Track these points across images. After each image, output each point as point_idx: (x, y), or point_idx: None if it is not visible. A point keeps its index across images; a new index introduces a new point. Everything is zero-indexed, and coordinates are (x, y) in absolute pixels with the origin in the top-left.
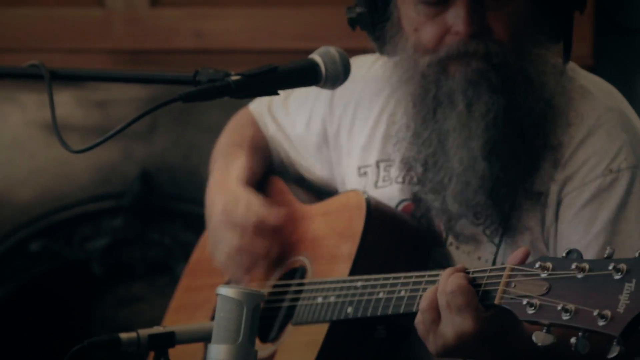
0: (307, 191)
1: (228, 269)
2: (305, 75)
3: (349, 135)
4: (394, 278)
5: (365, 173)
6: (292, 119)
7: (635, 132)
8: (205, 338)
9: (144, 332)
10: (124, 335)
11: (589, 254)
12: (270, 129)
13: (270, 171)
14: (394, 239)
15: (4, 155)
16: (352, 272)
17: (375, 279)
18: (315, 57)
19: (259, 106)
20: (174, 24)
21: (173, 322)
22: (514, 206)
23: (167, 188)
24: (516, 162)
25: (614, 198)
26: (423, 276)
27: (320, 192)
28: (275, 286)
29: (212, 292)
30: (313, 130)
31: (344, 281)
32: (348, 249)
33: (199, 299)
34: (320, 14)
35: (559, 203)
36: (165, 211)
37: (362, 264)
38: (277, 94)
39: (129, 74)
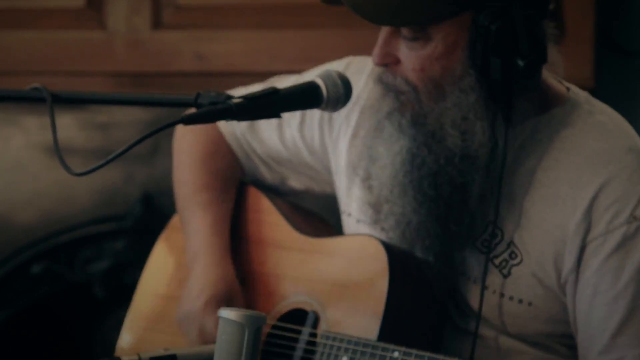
0: (290, 205)
1: (182, 331)
2: (306, 97)
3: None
4: (429, 358)
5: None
6: (274, 123)
7: None
8: None
9: (145, 355)
10: (125, 358)
11: (620, 305)
12: (240, 135)
13: (244, 182)
14: (417, 291)
15: (5, 178)
16: (382, 330)
17: (416, 355)
18: (317, 79)
19: None
20: (175, 47)
21: (152, 332)
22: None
23: (169, 211)
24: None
25: None
26: None
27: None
28: (276, 327)
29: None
30: (307, 135)
31: (375, 347)
32: (373, 305)
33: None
34: (321, 37)
35: (582, 249)
36: None
37: (390, 321)
38: (279, 116)
39: (130, 97)
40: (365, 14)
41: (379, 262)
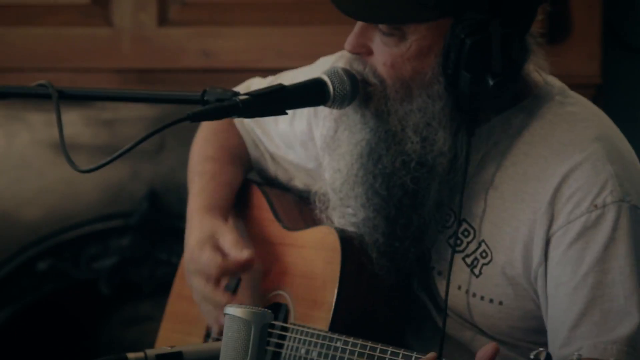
0: (287, 195)
1: (201, 312)
2: (313, 94)
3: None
4: (371, 348)
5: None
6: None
7: (623, 163)
8: (213, 358)
9: (152, 352)
10: (131, 355)
11: (579, 296)
12: (249, 127)
13: (249, 177)
14: (372, 282)
15: (11, 175)
16: (333, 321)
17: (354, 344)
18: (323, 76)
19: None
20: (181, 43)
21: (169, 331)
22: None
23: (175, 207)
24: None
25: (601, 235)
26: (398, 353)
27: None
28: None
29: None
30: (297, 128)
31: (325, 337)
32: (327, 295)
33: (192, 312)
34: (327, 33)
35: (547, 242)
36: (173, 230)
37: (342, 312)
38: (286, 113)
39: (137, 94)
40: (343, 8)
41: (334, 253)
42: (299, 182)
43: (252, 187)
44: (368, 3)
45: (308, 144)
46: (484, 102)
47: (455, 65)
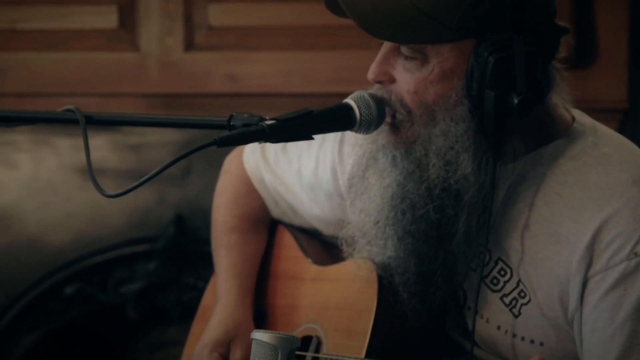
0: (315, 240)
1: None
2: (339, 119)
3: None
4: None
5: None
6: (295, 167)
7: None
8: None
9: None
10: None
11: (615, 343)
12: (268, 183)
13: (275, 222)
14: (405, 318)
15: (39, 199)
16: (369, 349)
17: None
18: (350, 101)
19: (253, 158)
20: (208, 68)
21: None
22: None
23: (201, 232)
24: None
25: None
26: None
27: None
28: None
29: None
30: (322, 178)
31: None
32: (363, 325)
33: None
34: (354, 58)
35: (584, 286)
36: (200, 255)
37: (378, 340)
38: (312, 138)
39: (163, 119)
40: (366, 27)
41: (370, 283)
42: (324, 233)
43: (279, 227)
44: (391, 23)
45: (333, 195)
46: (509, 122)
47: (479, 85)
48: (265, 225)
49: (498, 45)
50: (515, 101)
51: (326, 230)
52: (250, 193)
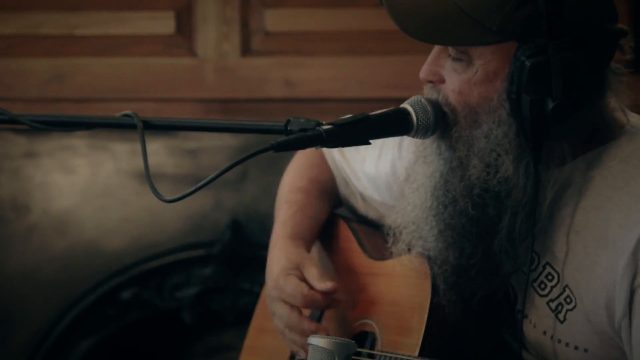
0: (373, 234)
1: (284, 340)
2: (396, 124)
3: None
4: None
5: None
6: (362, 155)
7: None
8: None
9: None
10: None
11: None
12: (339, 163)
13: (336, 212)
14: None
15: (96, 204)
16: (422, 346)
17: None
18: (407, 106)
19: None
20: (264, 73)
21: None
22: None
23: (258, 237)
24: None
25: None
26: None
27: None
28: None
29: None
30: (382, 170)
31: None
32: (417, 321)
33: (273, 344)
34: (409, 63)
35: (631, 293)
36: (256, 260)
37: (432, 337)
38: (369, 143)
39: (220, 124)
40: (407, 30)
41: (425, 280)
42: (389, 220)
43: (338, 220)
44: (434, 26)
45: (393, 187)
46: (547, 126)
47: (517, 88)
48: (331, 198)
49: (536, 50)
50: (550, 106)
51: (390, 215)
52: (322, 164)
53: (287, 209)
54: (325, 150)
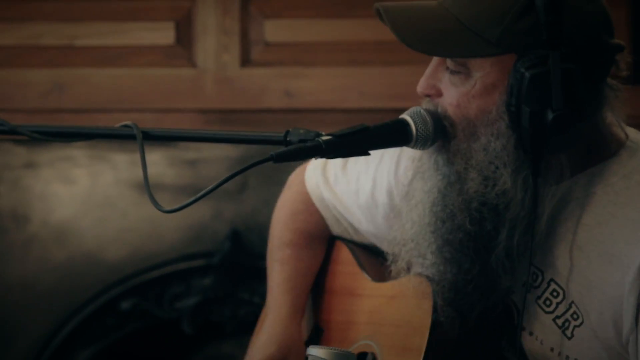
0: (373, 256)
1: None
2: (396, 135)
3: None
4: None
5: None
6: (354, 188)
7: None
8: None
9: None
10: None
11: None
12: (328, 202)
13: (334, 237)
14: (460, 333)
15: (95, 214)
16: None
17: None
18: (406, 117)
19: (314, 177)
20: (264, 84)
21: None
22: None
23: (257, 247)
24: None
25: None
26: None
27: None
28: None
29: None
30: (379, 200)
31: None
32: (417, 341)
33: None
34: (409, 74)
35: (638, 308)
36: (256, 270)
37: (433, 356)
38: (368, 154)
39: (219, 134)
40: (405, 40)
41: (426, 299)
42: (384, 249)
43: (337, 243)
44: (433, 38)
45: (389, 215)
46: (546, 138)
47: (517, 100)
48: (322, 241)
49: (536, 61)
50: (550, 117)
51: (385, 247)
52: (307, 209)
53: (280, 269)
54: (311, 190)
